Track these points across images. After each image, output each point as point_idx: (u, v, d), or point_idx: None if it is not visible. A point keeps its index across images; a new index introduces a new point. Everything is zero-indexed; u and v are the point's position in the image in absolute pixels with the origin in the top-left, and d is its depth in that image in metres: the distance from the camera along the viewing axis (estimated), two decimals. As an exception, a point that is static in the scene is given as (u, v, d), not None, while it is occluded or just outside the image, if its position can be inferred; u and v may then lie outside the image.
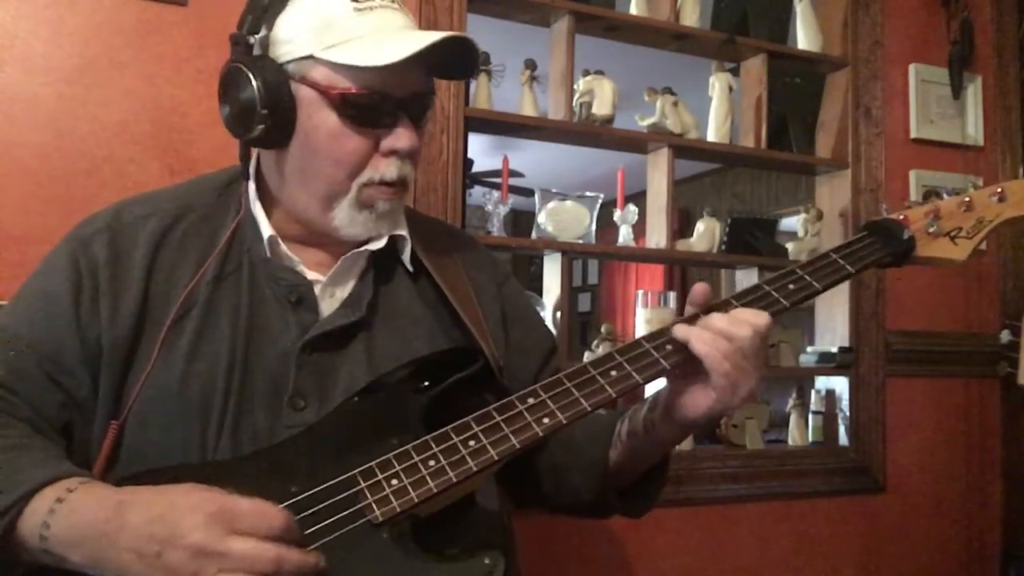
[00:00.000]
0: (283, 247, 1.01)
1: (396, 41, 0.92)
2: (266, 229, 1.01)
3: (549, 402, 0.89)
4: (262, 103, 0.93)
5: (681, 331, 0.92)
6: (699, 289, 0.96)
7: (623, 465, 1.04)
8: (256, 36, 0.95)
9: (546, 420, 0.88)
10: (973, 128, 2.42)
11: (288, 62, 0.95)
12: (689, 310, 0.96)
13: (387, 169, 0.97)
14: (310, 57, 0.94)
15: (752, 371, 0.90)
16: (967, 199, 1.09)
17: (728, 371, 0.88)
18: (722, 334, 0.89)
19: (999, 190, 1.10)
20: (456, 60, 0.98)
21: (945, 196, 1.09)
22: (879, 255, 1.05)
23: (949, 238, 1.08)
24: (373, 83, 0.93)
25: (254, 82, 0.93)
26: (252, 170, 1.04)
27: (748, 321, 0.90)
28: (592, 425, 1.04)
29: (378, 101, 0.94)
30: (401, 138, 0.96)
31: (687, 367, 0.92)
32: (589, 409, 0.89)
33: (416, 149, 0.98)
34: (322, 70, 0.94)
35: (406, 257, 1.06)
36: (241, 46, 0.96)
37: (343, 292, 1.03)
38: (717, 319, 0.91)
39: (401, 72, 0.92)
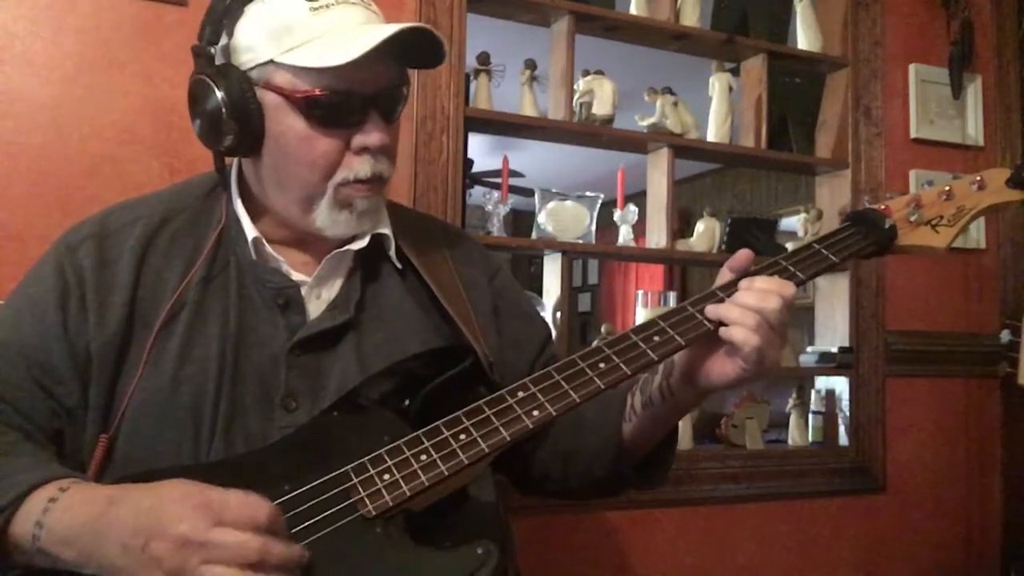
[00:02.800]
0: (268, 248, 1.01)
1: (353, 38, 0.91)
2: (250, 231, 1.01)
3: (539, 395, 0.90)
4: (228, 112, 0.93)
5: (712, 310, 0.93)
6: (745, 254, 0.96)
7: (638, 438, 1.05)
8: (217, 46, 0.95)
9: (536, 412, 0.88)
10: (973, 128, 2.42)
11: (251, 69, 0.94)
12: (726, 275, 0.97)
13: (361, 167, 0.96)
14: (271, 62, 0.93)
15: (777, 341, 0.91)
16: (948, 188, 1.10)
17: (757, 344, 0.89)
18: (750, 308, 0.90)
19: (979, 178, 1.11)
20: (423, 49, 0.97)
21: (925, 187, 1.10)
22: (862, 245, 1.06)
23: (930, 227, 1.09)
24: (335, 83, 0.92)
25: (218, 93, 0.93)
26: (235, 174, 1.05)
27: (775, 292, 0.91)
28: (602, 401, 1.03)
29: (343, 100, 0.94)
30: (371, 135, 0.96)
31: (704, 337, 0.93)
32: (578, 401, 0.90)
33: (388, 144, 0.98)
34: (284, 74, 0.93)
35: (392, 254, 1.06)
36: (203, 57, 0.96)
37: (330, 293, 1.03)
38: (744, 295, 0.92)
39: (364, 68, 0.91)
